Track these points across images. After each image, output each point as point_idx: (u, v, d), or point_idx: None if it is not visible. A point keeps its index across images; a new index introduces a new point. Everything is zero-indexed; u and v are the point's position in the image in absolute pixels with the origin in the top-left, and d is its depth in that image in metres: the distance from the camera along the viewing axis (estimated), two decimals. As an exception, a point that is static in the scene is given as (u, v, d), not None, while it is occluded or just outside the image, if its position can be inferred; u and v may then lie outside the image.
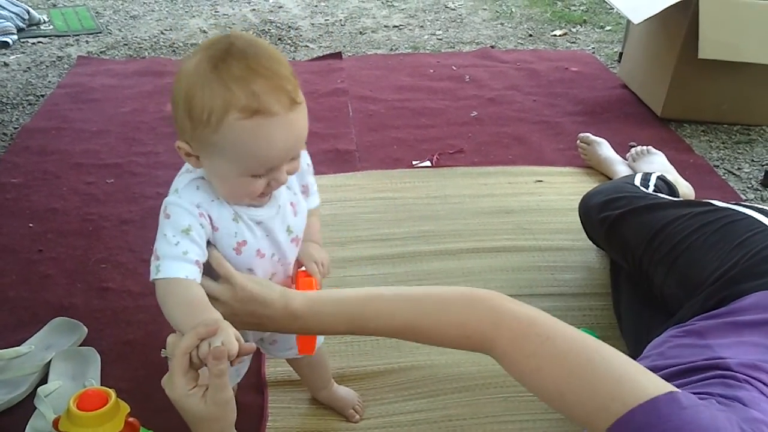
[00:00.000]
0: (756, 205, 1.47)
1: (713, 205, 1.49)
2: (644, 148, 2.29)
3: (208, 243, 1.01)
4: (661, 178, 1.92)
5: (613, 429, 0.84)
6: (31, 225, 2.05)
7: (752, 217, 1.39)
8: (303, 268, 1.14)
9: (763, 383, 0.97)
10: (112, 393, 1.34)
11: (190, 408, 0.90)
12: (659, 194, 1.74)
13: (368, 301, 1.06)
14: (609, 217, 1.67)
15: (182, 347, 0.88)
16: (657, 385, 0.86)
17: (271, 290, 1.04)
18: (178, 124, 0.95)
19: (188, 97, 0.90)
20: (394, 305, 1.05)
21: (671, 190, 1.89)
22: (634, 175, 1.90)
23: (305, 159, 1.11)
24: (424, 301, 1.05)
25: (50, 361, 1.54)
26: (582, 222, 1.86)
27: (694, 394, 0.90)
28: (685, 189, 2.10)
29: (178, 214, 0.97)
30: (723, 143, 2.61)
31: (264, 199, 1.01)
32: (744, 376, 0.97)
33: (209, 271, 1.02)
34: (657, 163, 2.21)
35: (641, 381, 0.87)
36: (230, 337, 0.88)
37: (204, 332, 0.88)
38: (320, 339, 1.31)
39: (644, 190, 1.78)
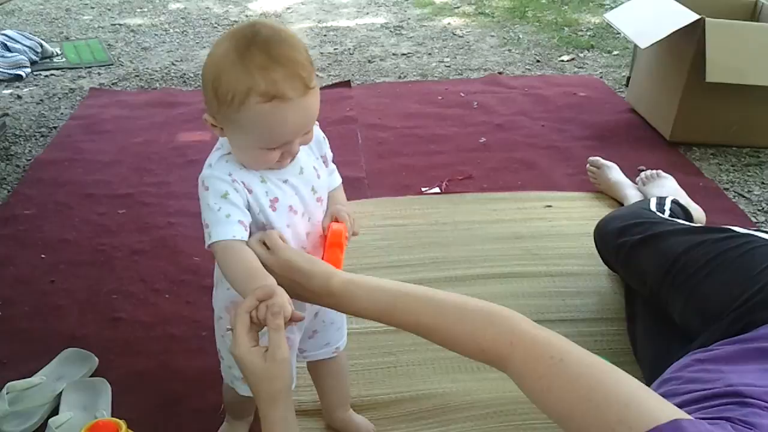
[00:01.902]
0: None
1: (733, 231, 1.49)
2: (654, 172, 2.29)
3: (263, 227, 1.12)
4: (676, 202, 1.91)
5: None
6: (43, 256, 2.06)
7: None
8: (334, 223, 1.20)
9: None
10: (123, 424, 1.34)
11: (252, 364, 0.98)
12: (676, 219, 1.73)
13: (400, 296, 1.11)
14: (627, 243, 1.66)
15: (244, 306, 0.99)
16: (665, 412, 0.85)
17: (315, 265, 1.12)
18: (206, 100, 1.06)
19: (216, 79, 1.01)
20: (421, 306, 1.09)
21: (686, 214, 1.89)
22: (649, 200, 1.90)
23: (320, 132, 1.21)
24: (447, 308, 1.08)
25: (61, 392, 1.55)
26: (598, 248, 1.85)
27: (711, 418, 0.89)
28: (697, 213, 2.09)
29: (215, 183, 1.08)
30: (732, 166, 2.60)
31: (282, 166, 1.11)
32: (765, 404, 0.96)
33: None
34: (667, 187, 2.20)
35: (649, 406, 0.86)
36: (284, 298, 0.99)
37: (262, 294, 0.99)
38: (343, 340, 1.37)
39: (660, 215, 1.77)
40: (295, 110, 1.01)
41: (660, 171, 2.29)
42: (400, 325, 1.11)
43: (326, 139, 1.24)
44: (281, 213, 1.12)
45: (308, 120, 1.06)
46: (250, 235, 1.09)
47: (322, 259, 1.15)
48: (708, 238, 1.49)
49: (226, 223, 1.06)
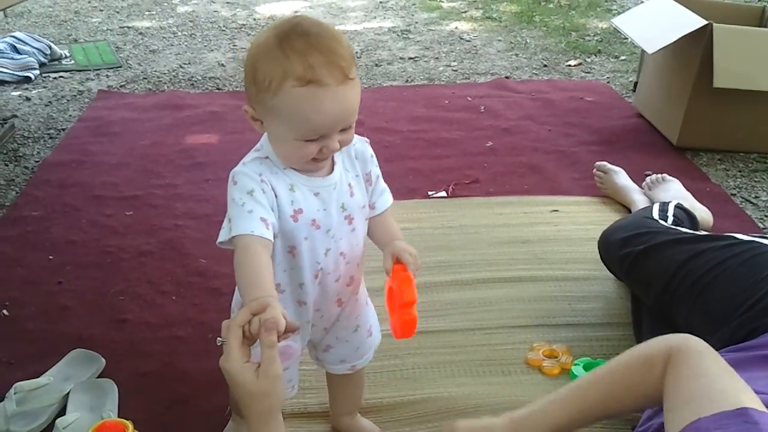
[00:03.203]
0: None
1: (736, 238, 1.49)
2: (659, 176, 2.29)
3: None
4: (679, 207, 1.91)
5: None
6: (50, 257, 2.07)
7: None
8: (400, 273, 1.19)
9: None
10: (130, 425, 1.35)
11: (244, 380, 0.96)
12: (679, 228, 1.73)
13: (561, 405, 1.15)
14: (630, 253, 1.67)
15: (237, 320, 0.97)
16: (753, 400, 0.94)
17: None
18: (246, 89, 1.06)
19: (254, 65, 1.02)
20: (583, 394, 1.15)
21: (690, 218, 1.89)
22: (652, 208, 1.90)
23: (368, 150, 1.21)
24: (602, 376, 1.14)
25: (69, 392, 1.55)
26: (602, 259, 1.85)
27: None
28: (703, 214, 2.10)
29: (243, 180, 1.07)
30: (740, 171, 2.60)
31: (319, 165, 1.10)
32: None
33: None
34: (673, 190, 2.20)
35: (740, 392, 0.95)
36: (278, 312, 0.96)
37: (256, 307, 0.97)
38: (376, 342, 1.36)
39: (664, 223, 1.77)
40: (332, 98, 1.00)
41: (665, 175, 2.29)
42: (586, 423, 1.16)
43: (374, 158, 1.22)
44: (302, 225, 1.11)
45: (346, 112, 1.04)
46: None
47: (392, 319, 1.15)
48: (711, 246, 1.49)
49: (246, 218, 1.04)
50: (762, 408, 0.93)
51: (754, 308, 1.27)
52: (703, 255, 1.48)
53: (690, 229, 1.82)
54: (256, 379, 0.96)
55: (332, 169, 1.14)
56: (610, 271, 1.87)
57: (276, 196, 1.08)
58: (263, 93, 1.01)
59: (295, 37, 0.99)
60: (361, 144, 1.20)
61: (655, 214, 1.83)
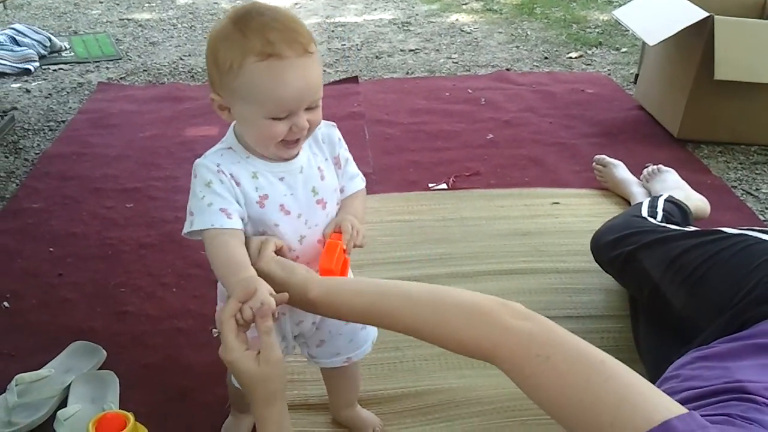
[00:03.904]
0: (765, 228, 1.47)
1: (724, 232, 1.50)
2: (655, 167, 2.29)
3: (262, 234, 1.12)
4: (670, 201, 1.91)
5: None
6: (51, 249, 2.07)
7: (765, 240, 1.40)
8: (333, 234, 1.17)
9: None
10: (131, 416, 1.35)
11: (245, 368, 0.98)
12: (668, 225, 1.74)
13: (379, 298, 1.08)
14: (621, 254, 1.68)
15: (228, 311, 0.98)
16: (658, 411, 0.82)
17: (292, 274, 1.09)
18: (210, 77, 1.07)
19: (214, 50, 1.03)
20: (400, 308, 1.07)
21: (681, 210, 1.89)
22: (641, 205, 1.89)
23: (336, 133, 1.21)
24: (425, 308, 1.05)
25: (70, 384, 1.55)
26: (596, 261, 1.85)
27: (711, 415, 0.89)
28: (699, 203, 2.11)
29: (201, 171, 1.08)
30: (741, 164, 2.59)
31: (290, 150, 1.10)
32: (765, 400, 0.96)
33: None
34: (669, 181, 2.20)
35: (642, 406, 0.83)
36: (265, 294, 0.98)
37: (242, 295, 0.98)
38: (372, 334, 1.35)
39: (652, 221, 1.78)
40: (294, 70, 1.00)
41: (661, 165, 2.29)
42: (384, 327, 1.11)
43: (342, 141, 1.22)
44: (270, 211, 1.11)
45: (309, 85, 1.03)
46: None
47: (319, 270, 1.12)
48: (700, 241, 1.50)
49: (206, 211, 1.06)
50: (674, 404, 0.86)
51: (746, 299, 1.27)
52: (692, 251, 1.49)
53: (681, 221, 1.83)
54: (257, 366, 0.98)
55: (296, 154, 1.14)
56: (605, 272, 1.87)
57: (238, 183, 1.08)
58: (226, 76, 1.02)
59: (251, 18, 1.01)
60: (327, 128, 1.20)
61: (644, 212, 1.84)
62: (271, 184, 1.11)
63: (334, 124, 1.21)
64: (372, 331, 1.36)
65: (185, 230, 1.09)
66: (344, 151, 1.23)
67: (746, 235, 1.45)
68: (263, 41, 0.98)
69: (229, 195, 1.08)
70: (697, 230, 1.61)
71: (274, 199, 1.11)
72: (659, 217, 1.81)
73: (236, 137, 1.12)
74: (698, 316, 1.37)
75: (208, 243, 1.06)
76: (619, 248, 1.70)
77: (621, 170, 2.35)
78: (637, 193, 2.22)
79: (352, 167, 1.25)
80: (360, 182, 1.26)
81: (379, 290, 1.10)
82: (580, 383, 0.88)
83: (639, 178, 2.31)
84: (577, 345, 0.93)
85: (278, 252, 1.11)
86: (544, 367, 0.91)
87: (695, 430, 0.81)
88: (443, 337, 1.03)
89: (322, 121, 1.13)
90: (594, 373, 0.88)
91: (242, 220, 1.09)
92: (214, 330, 1.01)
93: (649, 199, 1.94)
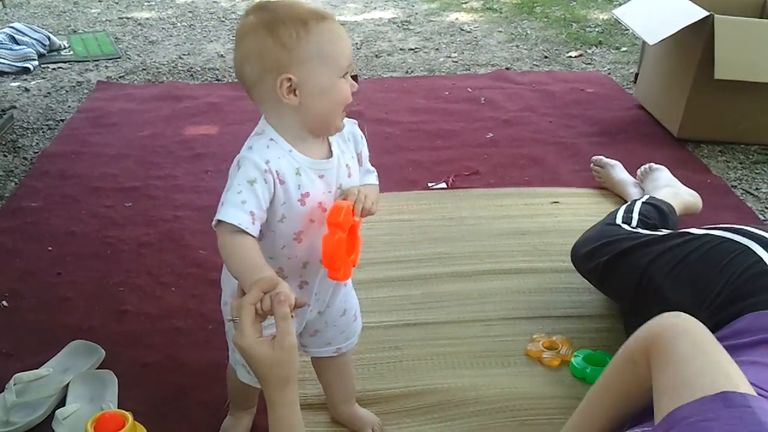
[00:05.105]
0: (731, 225, 1.49)
1: (691, 233, 1.53)
2: (647, 166, 2.29)
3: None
4: (648, 202, 1.92)
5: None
6: (50, 248, 2.07)
7: (730, 239, 1.42)
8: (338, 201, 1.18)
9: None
10: (129, 416, 1.35)
11: (260, 353, 1.01)
12: (641, 230, 1.75)
13: None
14: (597, 266, 1.70)
15: (249, 299, 1.01)
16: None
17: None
18: (271, 64, 1.07)
19: (273, 32, 1.06)
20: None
21: (659, 212, 1.89)
22: (617, 212, 1.89)
23: (358, 131, 1.26)
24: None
25: (68, 383, 1.55)
26: (578, 272, 1.86)
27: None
28: (689, 198, 2.12)
29: (247, 166, 1.09)
30: (740, 163, 2.59)
31: (342, 122, 1.16)
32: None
33: None
34: (660, 179, 2.21)
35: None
36: (287, 288, 1.02)
37: (266, 286, 1.02)
38: (359, 327, 1.38)
39: (626, 227, 1.78)
40: (339, 26, 1.10)
41: (652, 164, 2.29)
42: None
43: (364, 138, 1.26)
44: (309, 209, 1.14)
45: (349, 43, 1.12)
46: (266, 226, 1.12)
47: (322, 238, 1.12)
48: (669, 246, 1.53)
49: (238, 207, 1.07)
50: (746, 386, 0.95)
51: (716, 301, 1.31)
52: (663, 256, 1.52)
53: (658, 223, 1.84)
54: (272, 351, 1.01)
55: (331, 152, 1.17)
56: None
57: (282, 182, 1.10)
58: (296, 47, 1.06)
59: (278, 5, 1.10)
60: (350, 125, 1.23)
61: (619, 219, 1.84)
62: (313, 182, 1.13)
63: (356, 121, 1.24)
64: (359, 325, 1.40)
65: (217, 217, 1.08)
66: (365, 149, 1.27)
67: (711, 235, 1.48)
68: (307, 10, 1.08)
69: (265, 198, 1.09)
70: (667, 233, 1.64)
71: (314, 197, 1.14)
72: (634, 222, 1.82)
73: (272, 128, 1.13)
74: None
75: (227, 239, 1.07)
76: (594, 260, 1.72)
77: (618, 171, 2.36)
78: (634, 193, 2.22)
79: (368, 164, 1.29)
80: (375, 178, 1.30)
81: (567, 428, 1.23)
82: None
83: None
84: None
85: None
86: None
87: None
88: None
89: (345, 119, 1.18)
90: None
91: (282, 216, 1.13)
92: (228, 319, 1.03)
93: (626, 204, 1.95)
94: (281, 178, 1.10)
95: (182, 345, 1.70)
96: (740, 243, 1.39)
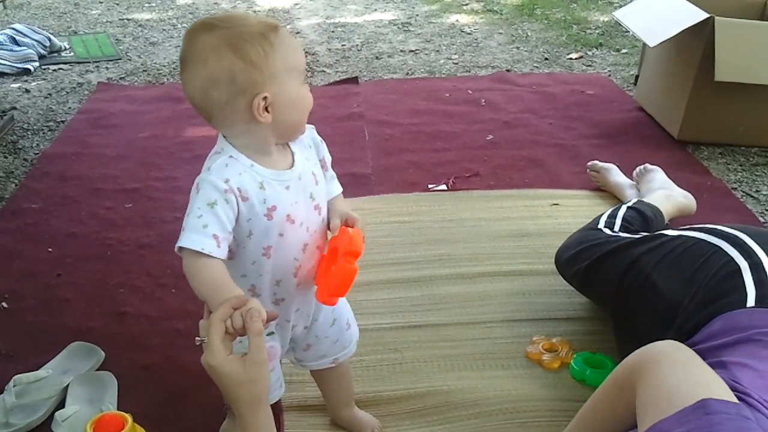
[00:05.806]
0: (704, 225, 1.51)
1: (666, 235, 1.54)
2: (642, 167, 2.29)
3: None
4: (633, 207, 1.91)
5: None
6: (50, 249, 2.07)
7: (702, 240, 1.43)
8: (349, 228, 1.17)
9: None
10: (129, 417, 1.35)
11: (230, 371, 0.98)
12: (621, 234, 1.75)
13: None
14: (578, 272, 1.71)
15: (218, 315, 0.98)
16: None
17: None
18: (243, 85, 1.04)
19: (241, 53, 1.03)
20: None
21: (642, 217, 1.89)
22: (600, 217, 1.89)
23: (316, 135, 1.22)
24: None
25: (68, 385, 1.55)
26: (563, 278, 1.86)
27: None
28: (683, 199, 2.13)
29: (207, 189, 1.06)
30: (741, 165, 2.59)
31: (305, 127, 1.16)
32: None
33: None
34: (655, 181, 2.21)
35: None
36: (258, 304, 0.99)
37: (236, 302, 0.99)
38: (355, 335, 1.37)
39: (608, 231, 1.78)
40: (289, 33, 1.10)
41: (647, 165, 2.29)
42: None
43: (324, 143, 1.23)
44: (276, 223, 1.10)
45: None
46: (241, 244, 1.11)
47: (335, 267, 1.12)
48: (646, 249, 1.53)
49: (200, 233, 1.04)
50: (725, 393, 0.97)
51: (692, 303, 1.32)
52: (640, 260, 1.52)
53: (641, 229, 1.83)
54: (242, 369, 0.98)
55: (293, 161, 1.14)
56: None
57: (245, 198, 1.07)
58: (264, 63, 1.03)
59: (227, 19, 1.07)
60: (309, 131, 1.21)
61: (601, 224, 1.84)
62: (278, 194, 1.10)
63: (314, 126, 1.22)
64: (355, 333, 1.38)
65: (179, 244, 1.06)
66: (327, 153, 1.24)
67: (684, 236, 1.49)
68: (259, 23, 1.05)
69: (230, 218, 1.06)
70: (643, 236, 1.64)
71: (282, 210, 1.10)
72: (616, 227, 1.82)
73: (233, 146, 1.11)
74: (654, 324, 1.41)
75: (192, 263, 1.05)
76: (575, 265, 1.72)
77: (614, 174, 2.36)
78: (631, 195, 2.22)
79: (331, 169, 1.26)
80: (338, 185, 1.27)
81: None
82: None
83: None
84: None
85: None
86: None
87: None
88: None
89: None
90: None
91: (248, 233, 1.10)
92: (197, 339, 1.00)
93: (611, 209, 1.95)
94: (244, 195, 1.07)
95: (182, 347, 1.70)
96: (712, 243, 1.40)
